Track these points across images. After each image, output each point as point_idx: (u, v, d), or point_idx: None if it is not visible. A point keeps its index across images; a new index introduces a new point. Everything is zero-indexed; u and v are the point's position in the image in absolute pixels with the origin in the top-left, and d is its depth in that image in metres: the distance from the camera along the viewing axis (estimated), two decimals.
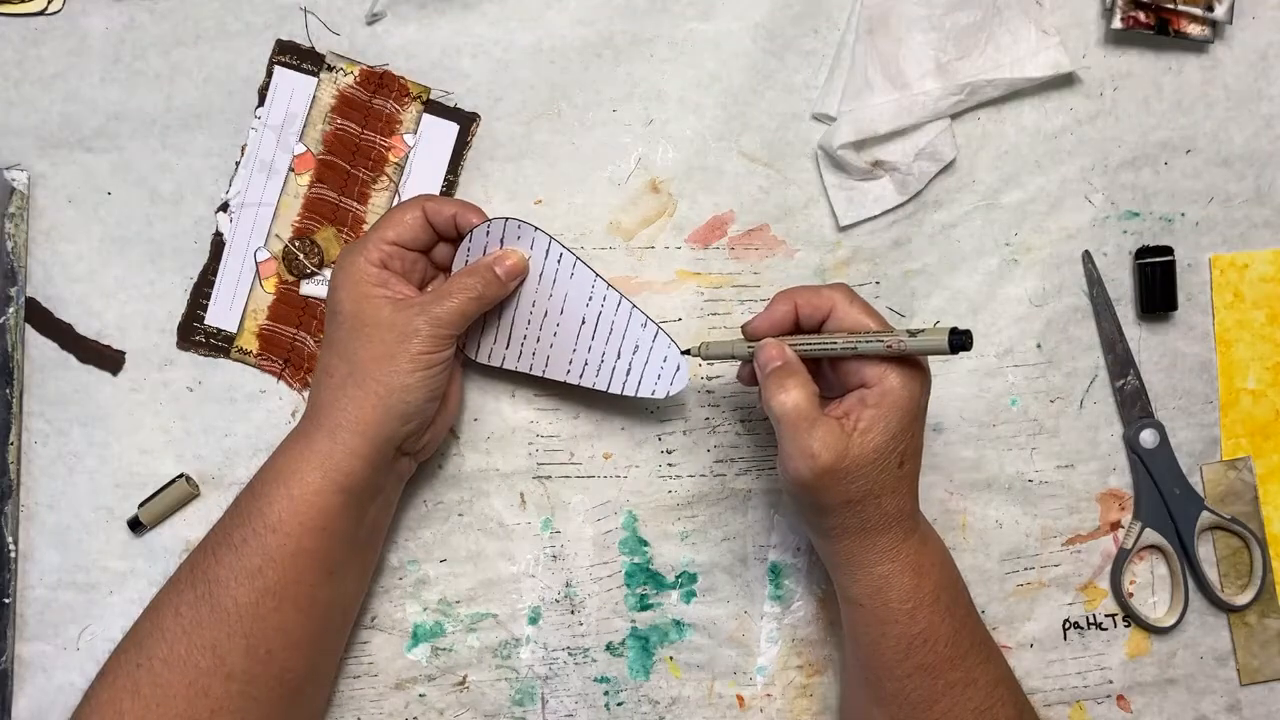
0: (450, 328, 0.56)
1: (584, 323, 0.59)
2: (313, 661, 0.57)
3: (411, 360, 0.55)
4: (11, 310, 0.61)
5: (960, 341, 0.50)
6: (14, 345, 0.61)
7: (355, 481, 0.55)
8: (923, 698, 0.55)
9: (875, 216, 0.64)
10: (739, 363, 0.59)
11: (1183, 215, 0.66)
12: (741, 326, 0.57)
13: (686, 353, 0.59)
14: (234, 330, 0.62)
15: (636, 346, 0.59)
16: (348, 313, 0.55)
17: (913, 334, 0.52)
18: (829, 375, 0.56)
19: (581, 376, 0.60)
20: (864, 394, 0.53)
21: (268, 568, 0.53)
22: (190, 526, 0.62)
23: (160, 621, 0.54)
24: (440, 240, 0.59)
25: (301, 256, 0.62)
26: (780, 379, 0.53)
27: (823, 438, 0.52)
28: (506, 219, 0.58)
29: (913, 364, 0.53)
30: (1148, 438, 0.66)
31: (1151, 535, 0.65)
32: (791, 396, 0.53)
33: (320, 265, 0.62)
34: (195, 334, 0.62)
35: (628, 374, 0.60)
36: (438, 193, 0.63)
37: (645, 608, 0.64)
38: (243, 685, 0.53)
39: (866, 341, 0.53)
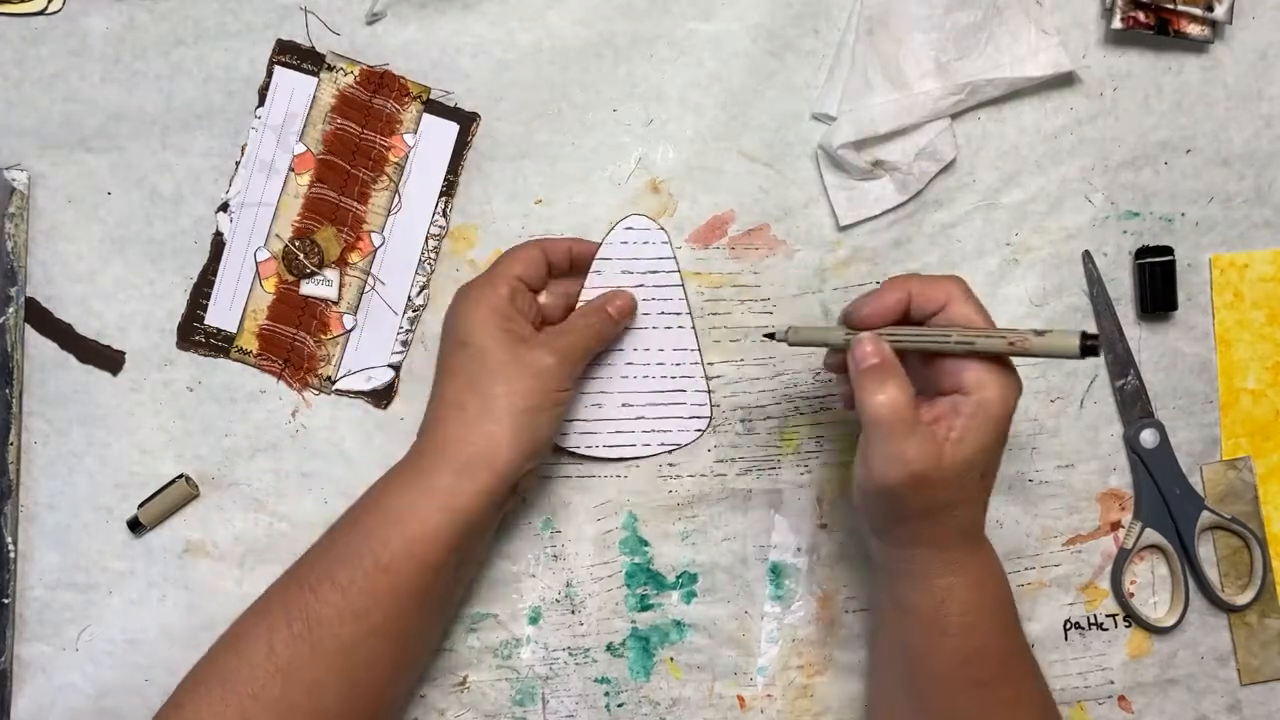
0: (577, 364, 0.58)
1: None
2: (402, 690, 0.58)
3: (546, 396, 0.55)
4: (11, 310, 0.61)
5: (1091, 346, 0.47)
6: (14, 345, 0.61)
7: (477, 519, 0.55)
8: (973, 714, 0.54)
9: (875, 216, 0.64)
10: (824, 350, 0.57)
11: (1183, 215, 0.66)
12: (844, 310, 0.55)
13: (770, 336, 0.58)
14: (234, 330, 0.62)
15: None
16: (479, 345, 0.55)
17: (1039, 333, 0.49)
18: (920, 372, 0.53)
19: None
20: (958, 401, 0.51)
21: (375, 609, 0.53)
22: (190, 527, 0.62)
23: (250, 657, 0.52)
24: (552, 277, 0.61)
25: (301, 256, 0.62)
26: (879, 377, 0.50)
27: (918, 445, 0.49)
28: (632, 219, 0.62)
29: (1011, 375, 0.51)
30: (1148, 438, 0.66)
31: (1152, 535, 0.65)
32: (890, 397, 0.49)
33: (320, 265, 0.62)
34: (195, 334, 0.62)
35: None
36: (437, 193, 0.63)
37: (646, 608, 0.64)
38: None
39: (986, 338, 0.49)
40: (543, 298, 0.60)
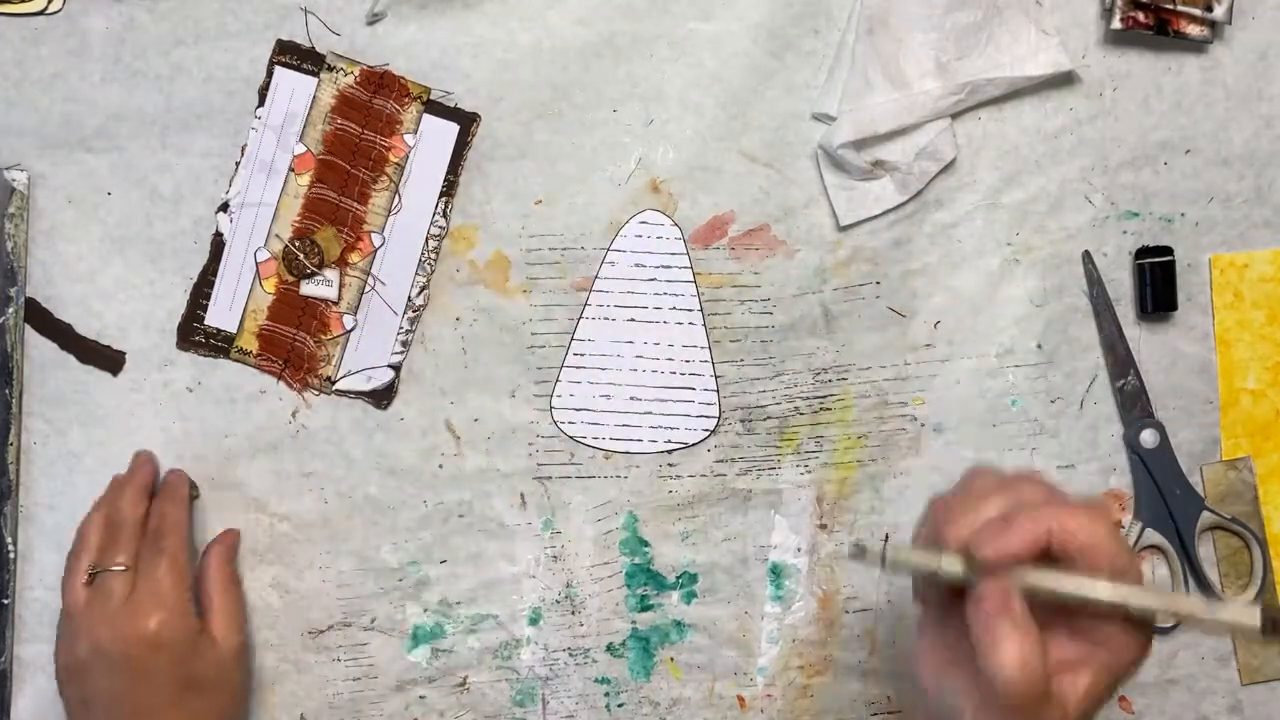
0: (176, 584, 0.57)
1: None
2: None
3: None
4: (11, 310, 0.61)
5: (1275, 624, 0.41)
6: (14, 345, 0.61)
7: None
8: None
9: (876, 216, 0.64)
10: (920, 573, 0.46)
11: (1183, 215, 0.66)
12: (959, 536, 0.44)
13: (860, 553, 0.46)
14: (234, 330, 0.62)
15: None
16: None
17: (1211, 602, 0.41)
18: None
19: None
20: (1092, 652, 0.44)
21: None
22: (192, 528, 0.62)
23: None
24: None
25: (301, 256, 0.62)
26: (1011, 635, 0.42)
27: (1047, 715, 0.42)
28: None
29: (1150, 634, 0.44)
30: (1148, 438, 0.66)
31: (1152, 535, 0.65)
32: (1025, 661, 0.41)
33: (320, 265, 0.62)
34: (195, 334, 0.62)
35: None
36: (437, 193, 0.63)
37: (646, 608, 0.64)
38: None
39: (1143, 597, 0.42)
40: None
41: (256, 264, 0.62)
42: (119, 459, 0.62)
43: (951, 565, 0.44)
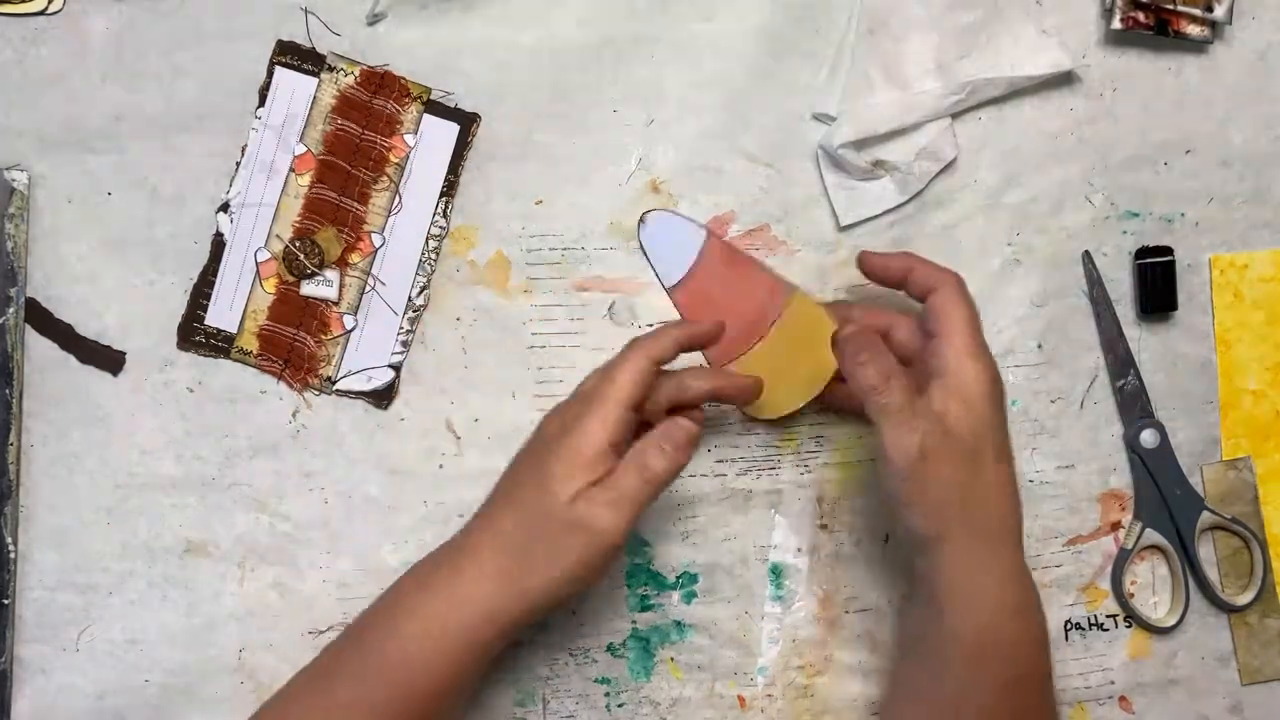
0: (636, 520, 0.53)
1: None
2: None
3: (595, 561, 0.52)
4: (11, 311, 0.61)
5: None
6: (14, 346, 0.61)
7: (511, 633, 0.54)
8: None
9: (876, 216, 0.64)
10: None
11: (1183, 215, 0.66)
12: (859, 254, 0.60)
13: None
14: (234, 331, 0.62)
15: None
16: (553, 494, 0.52)
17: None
18: (919, 360, 0.57)
19: None
20: (944, 383, 0.54)
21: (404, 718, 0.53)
22: (191, 527, 0.62)
23: None
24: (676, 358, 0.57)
25: (302, 257, 0.62)
26: (878, 401, 0.54)
27: (922, 419, 0.52)
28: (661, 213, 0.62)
29: (986, 357, 0.55)
30: (1148, 438, 0.66)
31: (1152, 535, 0.65)
32: (895, 407, 0.53)
33: (321, 265, 0.62)
34: (195, 334, 0.62)
35: None
36: (438, 193, 0.63)
37: (646, 608, 0.64)
38: None
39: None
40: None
41: (257, 264, 0.62)
42: (119, 459, 0.62)
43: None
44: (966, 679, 0.54)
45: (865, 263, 0.59)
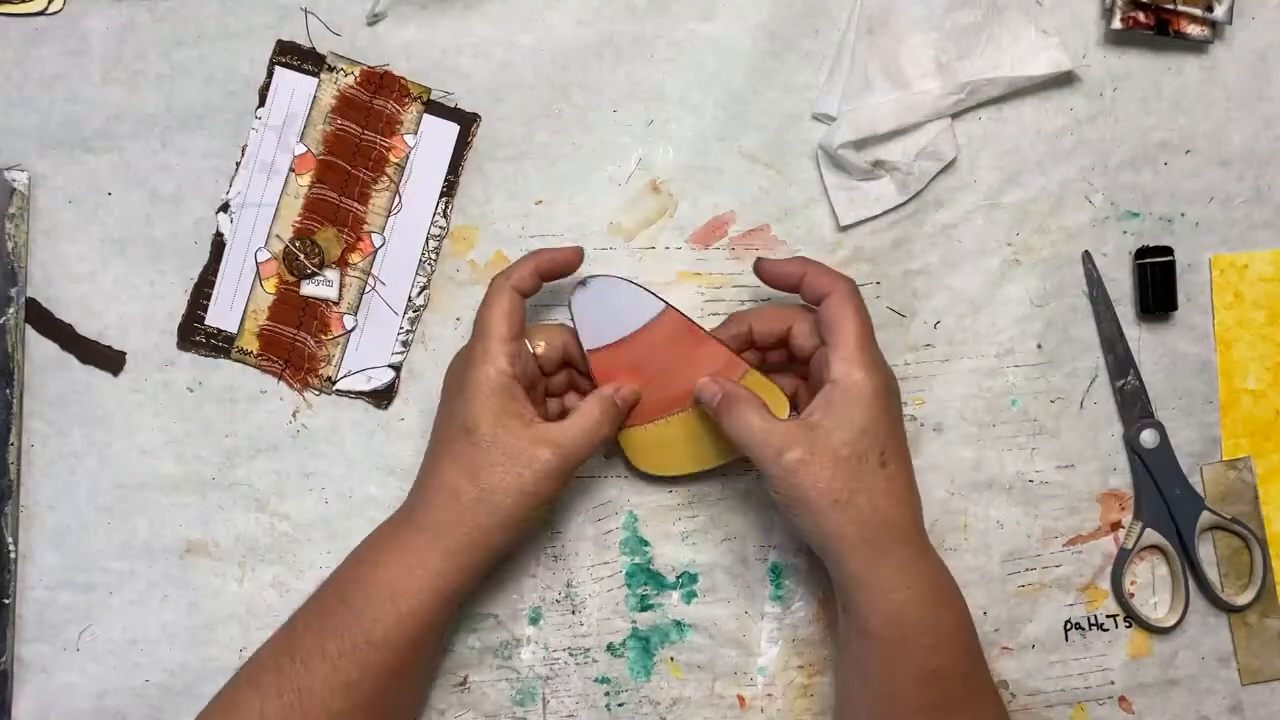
0: (578, 464, 0.56)
1: None
2: None
3: (541, 497, 0.55)
4: (11, 311, 0.61)
5: None
6: (14, 346, 0.61)
7: (463, 596, 0.56)
8: None
9: (876, 216, 0.64)
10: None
11: (1183, 215, 0.66)
12: (756, 260, 0.60)
13: None
14: (234, 331, 0.62)
15: None
16: (482, 434, 0.55)
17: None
18: (814, 371, 0.58)
19: None
20: (828, 390, 0.55)
21: (364, 680, 0.54)
22: (191, 527, 0.62)
23: None
24: (540, 285, 0.58)
25: (302, 257, 0.62)
26: (728, 408, 0.56)
27: (788, 435, 0.54)
28: (605, 277, 0.60)
29: (872, 363, 0.55)
30: (1148, 438, 0.66)
31: (1152, 535, 0.65)
32: (748, 418, 0.55)
33: (321, 265, 0.62)
34: (196, 334, 0.62)
35: None
36: (438, 193, 0.63)
37: (646, 608, 0.64)
38: None
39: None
40: (539, 348, 0.59)
41: (257, 264, 0.63)
42: (119, 459, 0.62)
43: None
44: (884, 675, 0.55)
45: (760, 269, 0.59)
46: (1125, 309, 0.66)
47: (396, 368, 0.63)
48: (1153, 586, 0.67)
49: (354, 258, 0.63)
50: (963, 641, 0.56)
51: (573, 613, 0.64)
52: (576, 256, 0.59)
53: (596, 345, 0.60)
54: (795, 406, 0.60)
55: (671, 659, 0.64)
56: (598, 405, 0.57)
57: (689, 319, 0.59)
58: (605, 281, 0.59)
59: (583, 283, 0.59)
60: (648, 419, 0.61)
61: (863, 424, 0.54)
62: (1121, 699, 0.66)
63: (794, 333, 0.59)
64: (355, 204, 0.63)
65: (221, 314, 0.62)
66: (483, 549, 0.55)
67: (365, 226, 0.63)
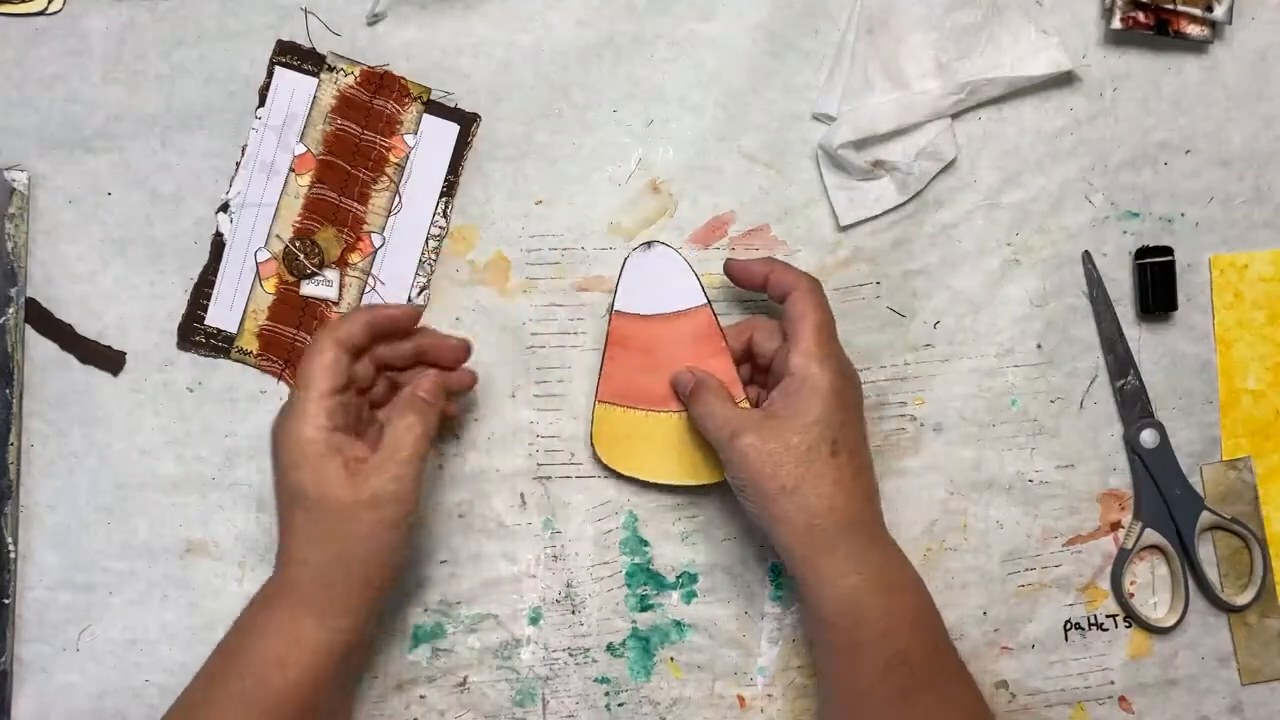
0: (416, 479, 0.54)
1: None
2: None
3: (393, 528, 0.54)
4: (11, 311, 0.61)
5: None
6: (14, 346, 0.61)
7: (362, 645, 0.57)
8: None
9: (876, 216, 0.64)
10: None
11: (1183, 215, 0.66)
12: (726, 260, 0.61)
13: None
14: (234, 331, 0.62)
15: None
16: (314, 500, 0.53)
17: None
18: (777, 365, 0.58)
19: None
20: (786, 382, 0.56)
21: None
22: (191, 527, 0.62)
23: None
24: (371, 342, 0.56)
25: (302, 257, 0.62)
26: (697, 395, 0.58)
27: (741, 420, 0.55)
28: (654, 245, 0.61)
29: (830, 356, 0.56)
30: (1148, 438, 0.66)
31: (1152, 535, 0.65)
32: (711, 404, 0.57)
33: (321, 265, 0.62)
34: (196, 334, 0.62)
35: None
36: (438, 193, 0.63)
37: (646, 608, 0.64)
38: None
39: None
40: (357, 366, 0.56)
41: (257, 264, 0.63)
42: (119, 459, 0.62)
43: None
44: (848, 665, 0.55)
45: (729, 268, 0.60)
46: (1125, 309, 0.66)
47: None
48: (1153, 586, 0.67)
49: (354, 258, 0.63)
50: (923, 627, 0.56)
51: (573, 613, 0.64)
52: (410, 318, 0.57)
53: (628, 310, 0.61)
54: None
55: (671, 659, 0.64)
56: (411, 412, 0.55)
57: (720, 328, 0.60)
58: (668, 254, 0.61)
59: (648, 244, 0.61)
60: (629, 403, 0.61)
61: (815, 414, 0.55)
62: (1121, 699, 0.66)
63: (754, 339, 0.60)
64: (355, 204, 0.63)
65: (221, 314, 0.62)
66: (357, 605, 0.54)
67: (365, 226, 0.63)
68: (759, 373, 0.61)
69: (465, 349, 0.59)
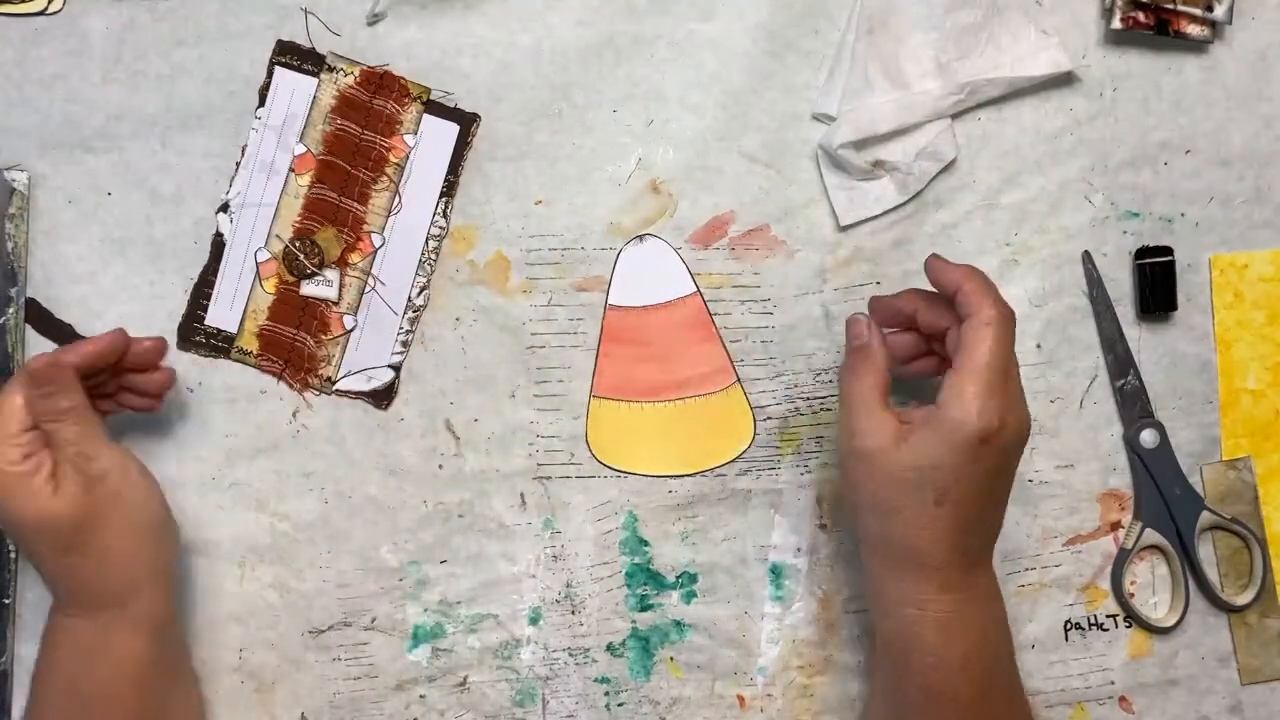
0: (88, 468, 0.53)
1: None
2: None
3: (102, 541, 0.54)
4: (11, 311, 0.61)
5: None
6: (14, 346, 0.61)
7: (175, 638, 0.58)
8: None
9: (876, 216, 0.64)
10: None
11: (1183, 215, 0.66)
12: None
13: None
14: (234, 331, 0.62)
15: None
16: (16, 535, 0.55)
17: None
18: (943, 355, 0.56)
19: None
20: (931, 410, 0.52)
21: None
22: (191, 527, 0.62)
23: None
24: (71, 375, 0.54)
25: (302, 257, 0.62)
26: (856, 360, 0.56)
27: (871, 426, 0.53)
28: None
29: (977, 401, 0.50)
30: (1148, 438, 0.66)
31: (1152, 535, 0.65)
32: (861, 382, 0.54)
33: (321, 265, 0.62)
34: (196, 335, 0.62)
35: None
36: (438, 193, 0.63)
37: (646, 608, 0.64)
38: None
39: None
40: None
41: (257, 264, 0.63)
42: None
43: None
44: (895, 679, 0.56)
45: (929, 265, 0.56)
46: (1125, 309, 0.66)
47: (396, 368, 0.63)
48: (1153, 586, 0.67)
49: (354, 258, 0.63)
50: (973, 671, 0.54)
51: (573, 613, 0.64)
52: (114, 343, 0.56)
53: (621, 304, 0.61)
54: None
55: (671, 659, 0.64)
56: (16, 391, 0.53)
57: (710, 314, 0.61)
58: (659, 245, 0.61)
59: (640, 238, 0.61)
60: (624, 396, 0.61)
61: (936, 459, 0.51)
62: (1121, 699, 0.66)
63: (921, 313, 0.56)
64: (355, 204, 0.63)
65: (221, 314, 0.62)
66: (141, 611, 0.55)
67: (365, 226, 0.63)
68: (935, 341, 0.57)
69: (159, 349, 0.58)
